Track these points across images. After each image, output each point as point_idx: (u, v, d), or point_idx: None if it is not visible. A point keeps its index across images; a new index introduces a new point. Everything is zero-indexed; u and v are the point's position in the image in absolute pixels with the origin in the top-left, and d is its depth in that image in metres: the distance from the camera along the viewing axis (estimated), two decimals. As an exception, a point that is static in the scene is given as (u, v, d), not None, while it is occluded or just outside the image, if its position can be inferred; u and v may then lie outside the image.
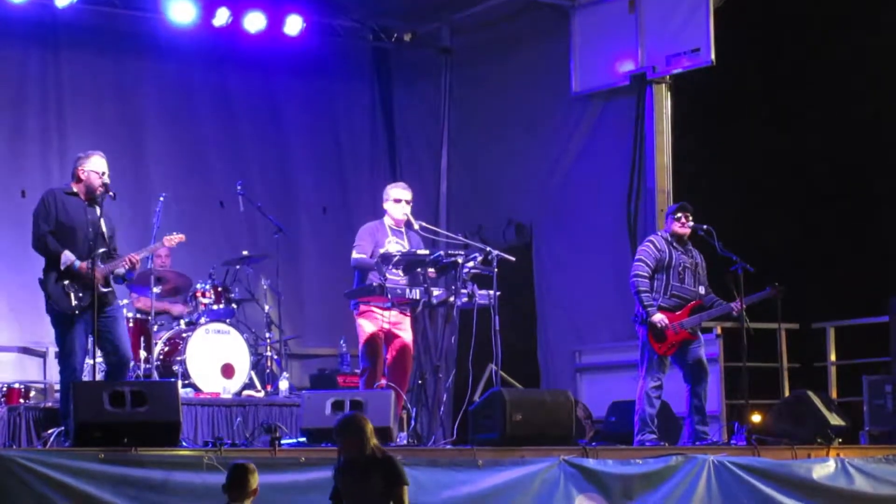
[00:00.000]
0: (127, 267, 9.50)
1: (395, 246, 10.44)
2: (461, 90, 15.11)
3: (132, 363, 10.65)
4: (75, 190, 9.53)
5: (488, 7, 14.50)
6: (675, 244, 10.60)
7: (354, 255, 10.50)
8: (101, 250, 9.38)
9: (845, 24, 12.98)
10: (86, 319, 9.30)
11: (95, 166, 9.50)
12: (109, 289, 9.46)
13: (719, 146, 13.29)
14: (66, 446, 8.68)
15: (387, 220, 10.66)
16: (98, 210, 9.50)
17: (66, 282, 9.31)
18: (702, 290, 10.64)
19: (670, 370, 10.53)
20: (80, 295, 9.27)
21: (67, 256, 9.31)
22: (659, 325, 10.33)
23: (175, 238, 10.08)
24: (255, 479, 7.28)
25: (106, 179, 9.50)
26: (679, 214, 10.59)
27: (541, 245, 14.26)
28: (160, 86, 14.05)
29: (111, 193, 9.46)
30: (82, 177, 9.52)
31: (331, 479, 7.78)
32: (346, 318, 11.37)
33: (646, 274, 10.47)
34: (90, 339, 9.35)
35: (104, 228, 9.47)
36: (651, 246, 10.58)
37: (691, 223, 10.58)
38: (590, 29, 13.70)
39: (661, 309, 10.41)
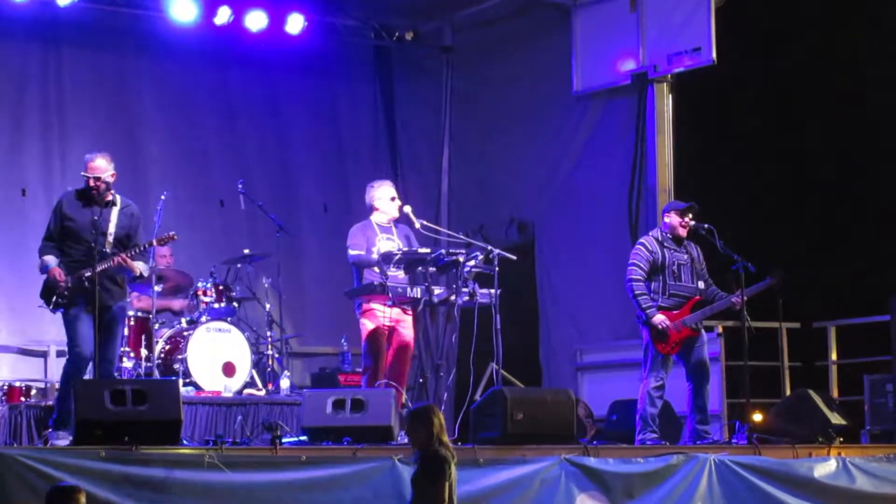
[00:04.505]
0: (115, 265, 9.47)
1: (386, 243, 10.48)
2: (462, 89, 15.11)
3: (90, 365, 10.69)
4: (82, 191, 9.61)
5: (489, 6, 14.50)
6: (666, 243, 10.58)
7: (352, 252, 10.51)
8: (105, 251, 9.40)
9: (845, 23, 12.98)
10: (85, 315, 9.34)
11: (94, 168, 9.53)
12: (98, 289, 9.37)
13: (720, 145, 13.29)
14: (52, 433, 8.94)
15: (375, 218, 10.69)
16: (109, 211, 9.51)
17: (51, 282, 9.45)
18: (701, 284, 10.63)
19: (673, 369, 10.53)
20: (66, 293, 9.35)
21: (43, 261, 9.49)
22: (660, 328, 10.32)
23: (166, 238, 10.11)
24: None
25: (94, 182, 9.47)
26: (689, 214, 10.55)
27: (542, 244, 14.25)
28: (161, 84, 14.05)
29: (100, 197, 9.46)
30: (86, 177, 9.56)
31: (330, 478, 7.78)
32: (348, 317, 11.38)
33: (640, 277, 10.45)
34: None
35: (112, 229, 9.49)
36: (642, 249, 10.56)
37: (693, 223, 10.58)
38: (591, 28, 13.70)
39: (661, 309, 10.38)
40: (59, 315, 9.58)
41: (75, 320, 9.39)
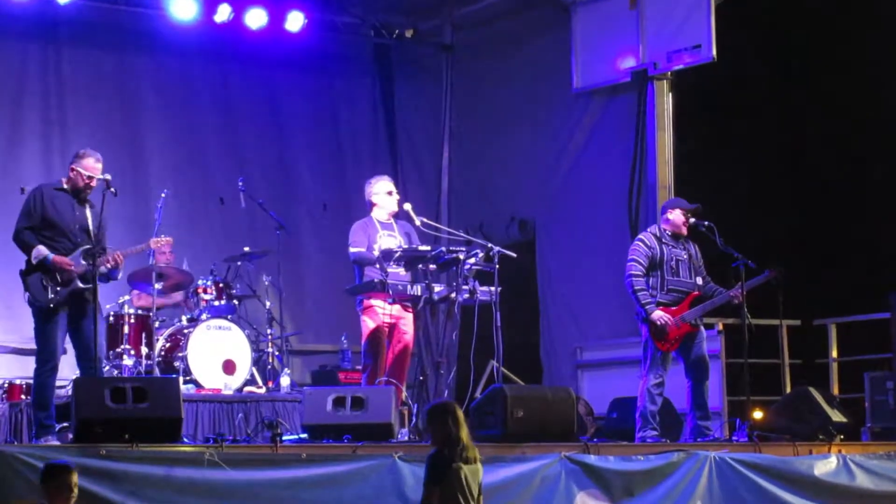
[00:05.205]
0: (110, 265, 9.45)
1: (386, 240, 10.47)
2: (462, 87, 15.12)
3: (106, 363, 10.70)
4: (66, 186, 9.52)
5: (489, 4, 14.52)
6: (664, 239, 10.57)
7: (352, 249, 10.51)
8: (86, 247, 9.35)
9: (846, 20, 12.97)
10: (64, 315, 9.29)
11: (84, 166, 9.46)
12: (89, 286, 9.32)
13: (720, 142, 13.29)
14: (35, 443, 8.85)
15: (375, 215, 10.68)
16: (87, 207, 9.47)
17: (44, 276, 9.29)
18: (699, 280, 10.63)
19: (672, 366, 10.52)
20: (58, 289, 9.25)
21: (39, 251, 9.30)
22: (658, 323, 10.31)
23: (161, 241, 10.07)
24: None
25: (94, 183, 9.43)
26: (691, 214, 10.55)
27: (543, 241, 14.26)
28: (161, 82, 14.05)
29: (112, 189, 9.41)
30: (71, 174, 9.52)
31: (330, 475, 7.75)
32: (348, 315, 11.38)
33: (640, 273, 10.44)
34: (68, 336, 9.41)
35: (90, 225, 9.43)
36: (641, 245, 10.55)
37: (693, 220, 10.58)
38: (591, 25, 13.70)
39: (660, 305, 10.38)
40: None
41: (56, 328, 9.25)
